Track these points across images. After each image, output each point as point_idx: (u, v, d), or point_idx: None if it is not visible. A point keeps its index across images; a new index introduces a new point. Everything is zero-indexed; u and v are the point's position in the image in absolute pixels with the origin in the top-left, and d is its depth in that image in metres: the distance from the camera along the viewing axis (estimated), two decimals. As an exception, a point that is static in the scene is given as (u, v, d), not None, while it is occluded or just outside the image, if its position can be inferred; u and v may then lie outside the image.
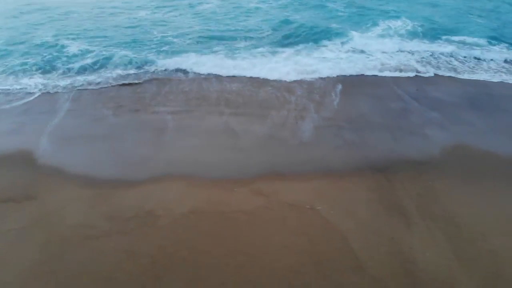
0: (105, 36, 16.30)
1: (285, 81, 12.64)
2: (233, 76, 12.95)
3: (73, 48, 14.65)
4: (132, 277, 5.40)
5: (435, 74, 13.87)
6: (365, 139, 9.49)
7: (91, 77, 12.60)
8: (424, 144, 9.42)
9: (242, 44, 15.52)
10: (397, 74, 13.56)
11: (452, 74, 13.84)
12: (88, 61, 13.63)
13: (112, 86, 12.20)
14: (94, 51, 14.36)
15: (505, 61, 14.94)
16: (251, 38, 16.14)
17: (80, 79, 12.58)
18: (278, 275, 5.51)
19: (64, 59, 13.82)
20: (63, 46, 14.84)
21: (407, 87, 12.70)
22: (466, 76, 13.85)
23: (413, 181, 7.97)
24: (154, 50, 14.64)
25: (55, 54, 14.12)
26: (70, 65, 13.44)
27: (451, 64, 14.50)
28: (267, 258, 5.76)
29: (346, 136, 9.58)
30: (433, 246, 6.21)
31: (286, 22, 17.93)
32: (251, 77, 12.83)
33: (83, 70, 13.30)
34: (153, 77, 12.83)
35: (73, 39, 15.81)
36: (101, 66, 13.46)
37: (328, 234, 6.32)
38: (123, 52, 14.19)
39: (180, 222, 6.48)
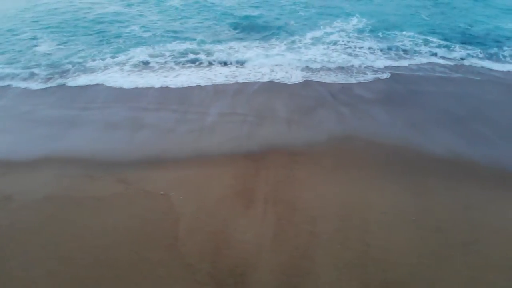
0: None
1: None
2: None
3: None
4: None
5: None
6: (259, 131, 10.03)
7: None
8: (313, 136, 9.88)
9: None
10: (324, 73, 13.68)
11: (376, 74, 13.91)
12: None
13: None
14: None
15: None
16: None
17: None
18: (93, 252, 6.01)
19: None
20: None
21: (333, 86, 12.98)
22: (392, 70, 14.04)
23: (280, 170, 8.33)
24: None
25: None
26: None
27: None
28: (89, 238, 6.30)
29: (243, 128, 10.14)
30: (257, 227, 6.56)
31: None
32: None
33: None
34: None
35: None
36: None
37: (163, 217, 6.80)
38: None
39: (32, 207, 7.05)
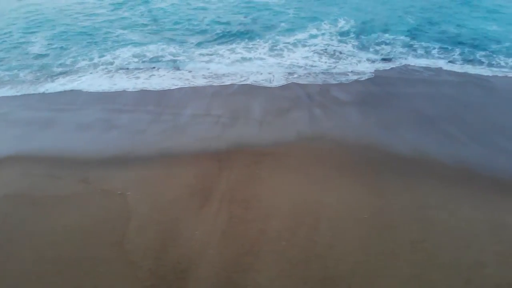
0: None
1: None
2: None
3: None
4: None
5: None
6: (230, 132, 10.15)
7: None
8: (281, 137, 9.96)
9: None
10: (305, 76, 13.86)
11: (357, 77, 13.94)
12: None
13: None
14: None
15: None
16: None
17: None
18: (40, 249, 6.12)
19: None
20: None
21: (312, 88, 13.06)
22: (372, 73, 14.12)
23: (243, 169, 8.42)
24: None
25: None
26: None
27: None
28: (39, 236, 6.42)
29: (214, 129, 10.29)
30: (208, 225, 6.63)
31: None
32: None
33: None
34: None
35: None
36: None
37: (116, 216, 6.88)
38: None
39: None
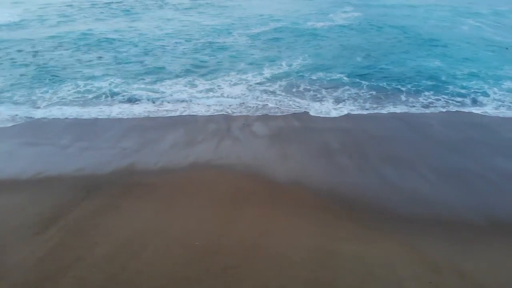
0: None
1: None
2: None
3: None
4: None
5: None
6: (120, 162, 10.37)
7: None
8: (164, 166, 10.18)
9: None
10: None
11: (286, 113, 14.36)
12: None
13: None
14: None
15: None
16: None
17: None
18: None
19: None
20: None
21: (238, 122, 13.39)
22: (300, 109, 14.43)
23: (106, 199, 8.50)
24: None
25: None
26: None
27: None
28: None
29: (96, 159, 10.57)
30: (30, 252, 6.64)
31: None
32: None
33: None
34: None
35: None
36: None
37: None
38: None
39: None
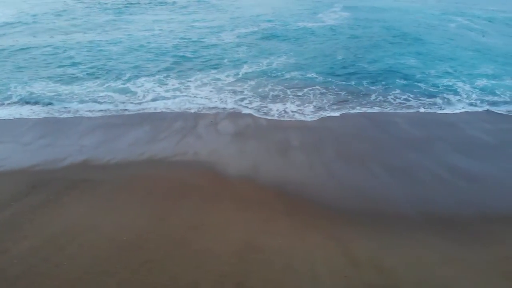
0: None
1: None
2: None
3: None
4: None
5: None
6: (67, 160, 10.38)
7: None
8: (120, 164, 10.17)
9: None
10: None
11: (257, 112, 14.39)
12: None
13: None
14: None
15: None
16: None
17: None
18: None
19: None
20: None
21: (205, 120, 13.45)
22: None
23: (51, 196, 8.55)
24: None
25: None
26: None
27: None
28: None
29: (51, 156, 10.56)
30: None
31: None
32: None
33: None
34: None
35: None
36: None
37: None
38: None
39: None
